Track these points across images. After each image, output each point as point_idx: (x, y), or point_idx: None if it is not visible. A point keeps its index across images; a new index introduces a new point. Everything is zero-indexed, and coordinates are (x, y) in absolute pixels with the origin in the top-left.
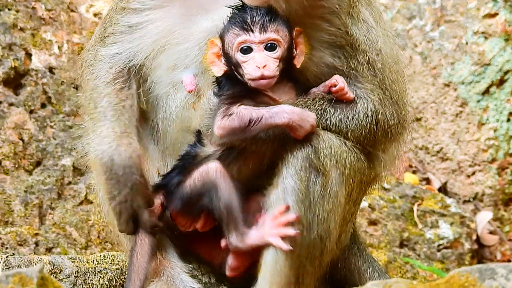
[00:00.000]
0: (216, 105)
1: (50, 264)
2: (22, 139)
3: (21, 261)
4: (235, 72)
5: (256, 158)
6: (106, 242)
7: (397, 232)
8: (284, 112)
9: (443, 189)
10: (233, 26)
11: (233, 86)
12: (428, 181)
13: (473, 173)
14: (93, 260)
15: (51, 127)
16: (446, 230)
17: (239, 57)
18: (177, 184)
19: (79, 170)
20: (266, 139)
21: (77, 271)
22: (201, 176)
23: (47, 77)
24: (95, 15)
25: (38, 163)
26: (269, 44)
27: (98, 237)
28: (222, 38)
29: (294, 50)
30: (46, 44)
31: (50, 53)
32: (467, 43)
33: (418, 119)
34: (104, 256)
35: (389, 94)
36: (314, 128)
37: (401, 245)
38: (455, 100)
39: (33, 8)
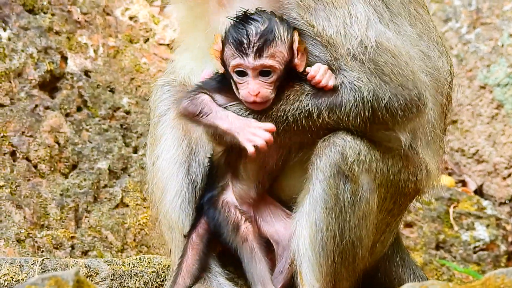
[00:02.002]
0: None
1: (86, 267)
2: (58, 143)
3: (57, 264)
4: (230, 79)
5: (279, 151)
6: (142, 245)
7: (433, 234)
8: (227, 118)
9: (479, 191)
10: (231, 42)
11: (224, 85)
12: (464, 183)
13: (509, 175)
14: (129, 263)
15: (87, 130)
16: (482, 232)
17: (234, 77)
18: (211, 204)
19: (114, 173)
20: (288, 131)
21: (113, 274)
22: (233, 225)
23: (83, 81)
24: (130, 18)
25: (74, 166)
26: (264, 70)
27: (134, 240)
28: (223, 44)
29: (296, 58)
30: (82, 48)
31: (86, 56)
32: (502, 45)
33: (454, 122)
34: (140, 259)
35: (388, 79)
36: (265, 137)
37: (437, 247)
38: (490, 102)
39: (69, 11)
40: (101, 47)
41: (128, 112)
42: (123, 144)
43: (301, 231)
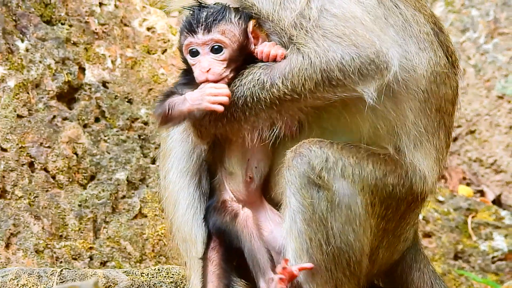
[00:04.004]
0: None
1: (104, 277)
2: (76, 153)
3: (76, 275)
4: (188, 65)
5: (252, 132)
6: (161, 255)
7: (452, 245)
8: (185, 99)
9: (497, 201)
10: (183, 28)
11: (188, 79)
12: (482, 193)
13: None
14: (148, 274)
15: (105, 141)
16: (500, 242)
17: (189, 59)
18: (211, 209)
19: (133, 184)
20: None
21: (131, 284)
22: (231, 214)
23: (101, 91)
24: (148, 29)
25: (92, 177)
26: (215, 46)
27: (153, 250)
28: (180, 37)
29: (253, 44)
30: (100, 59)
31: (104, 67)
32: None
33: (472, 132)
34: (158, 270)
35: (339, 39)
36: (223, 92)
37: (456, 257)
38: (508, 113)
39: (86, 22)
40: (119, 58)
41: (146, 123)
42: (141, 155)
43: (288, 245)
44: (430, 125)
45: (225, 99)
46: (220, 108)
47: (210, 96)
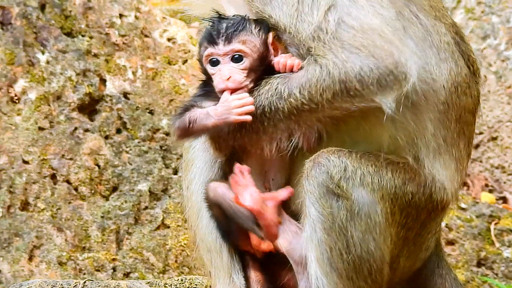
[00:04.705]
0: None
1: None
2: (98, 165)
3: (99, 286)
4: (208, 76)
5: (270, 142)
6: (184, 266)
7: (475, 252)
8: (208, 114)
9: None
10: (203, 39)
11: (208, 90)
12: (504, 200)
13: None
14: (171, 284)
15: (127, 152)
16: None
17: (209, 69)
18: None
19: (155, 195)
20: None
21: None
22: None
23: (122, 103)
24: (168, 40)
25: (114, 189)
26: (235, 55)
27: (176, 261)
28: (199, 48)
29: (272, 55)
30: (120, 70)
31: (125, 78)
32: None
33: (494, 138)
34: (181, 280)
35: (357, 50)
36: (246, 108)
37: (479, 265)
38: None
39: (107, 34)
40: (139, 69)
41: (167, 134)
42: (163, 166)
43: (308, 255)
44: (450, 136)
45: (251, 108)
46: (249, 118)
47: (236, 108)
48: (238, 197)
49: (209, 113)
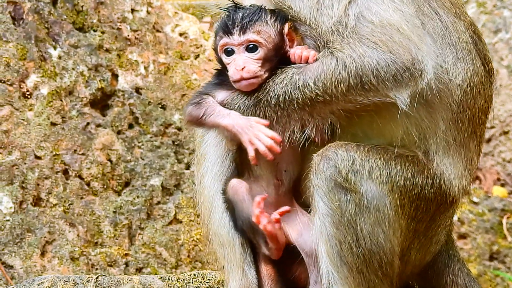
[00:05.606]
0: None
1: (140, 284)
2: (110, 160)
3: (111, 281)
4: (223, 65)
5: (283, 133)
6: (196, 261)
7: (487, 245)
8: (229, 115)
9: None
10: (219, 28)
11: (222, 79)
12: None
13: None
14: (183, 279)
15: (139, 147)
16: None
17: (224, 58)
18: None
19: (167, 190)
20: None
21: None
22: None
23: (134, 98)
24: (180, 34)
25: (126, 184)
26: (250, 45)
27: (188, 256)
28: (215, 37)
29: (288, 46)
30: (132, 65)
31: (137, 73)
32: None
33: (506, 132)
34: (194, 275)
35: (375, 45)
36: (267, 143)
37: (491, 258)
38: None
39: (119, 29)
40: (151, 64)
41: (179, 129)
42: (176, 161)
43: (318, 250)
44: (461, 136)
45: (265, 150)
46: (253, 154)
47: (254, 137)
48: (260, 219)
49: (230, 115)
